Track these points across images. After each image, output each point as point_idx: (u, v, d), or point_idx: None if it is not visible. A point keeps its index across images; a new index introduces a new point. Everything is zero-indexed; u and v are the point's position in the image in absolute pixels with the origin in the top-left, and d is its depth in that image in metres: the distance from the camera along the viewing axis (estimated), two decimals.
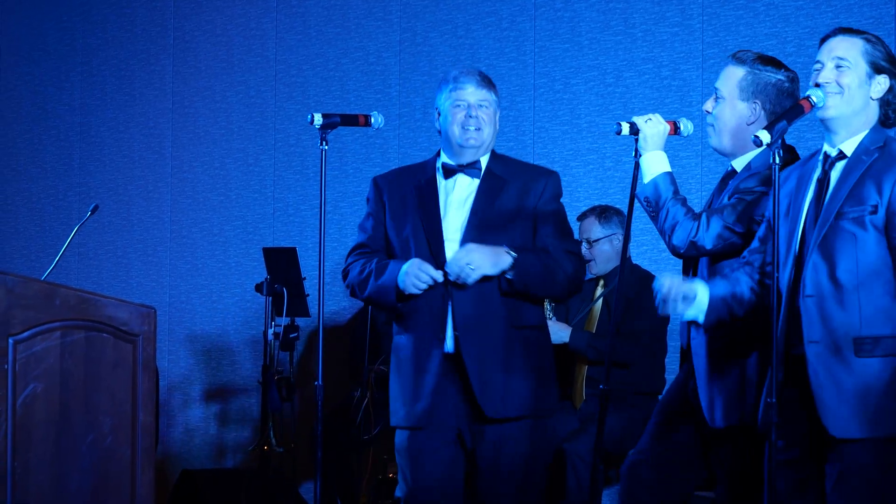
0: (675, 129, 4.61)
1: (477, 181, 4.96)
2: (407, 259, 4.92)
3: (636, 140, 4.55)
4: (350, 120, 4.92)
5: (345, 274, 5.12)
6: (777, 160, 3.98)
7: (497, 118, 5.00)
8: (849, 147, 4.10)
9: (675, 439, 4.67)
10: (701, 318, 4.26)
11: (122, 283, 9.15)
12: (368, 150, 8.23)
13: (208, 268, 8.86)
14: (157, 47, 9.22)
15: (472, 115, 4.91)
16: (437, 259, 4.89)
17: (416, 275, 4.85)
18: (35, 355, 4.73)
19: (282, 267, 7.46)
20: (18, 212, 9.73)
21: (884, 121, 4.15)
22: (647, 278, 6.23)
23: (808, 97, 4.10)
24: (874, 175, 4.02)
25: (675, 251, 4.48)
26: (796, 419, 4.08)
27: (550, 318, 6.54)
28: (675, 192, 4.49)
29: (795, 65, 6.74)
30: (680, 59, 7.15)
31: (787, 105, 4.45)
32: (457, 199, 4.97)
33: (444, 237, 4.92)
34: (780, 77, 4.58)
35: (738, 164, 4.59)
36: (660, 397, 5.94)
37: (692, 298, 4.22)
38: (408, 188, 5.02)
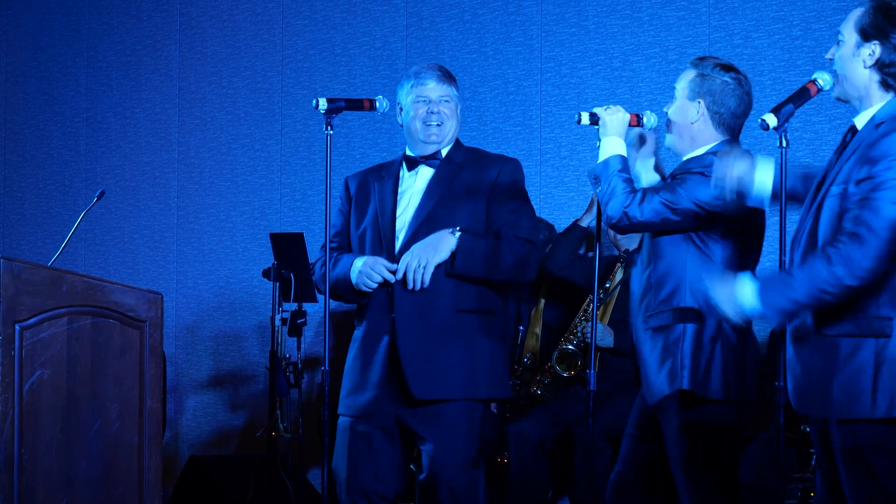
0: (638, 121, 4.71)
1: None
2: (361, 251, 4.97)
3: (598, 130, 4.66)
4: (355, 104, 4.93)
5: (313, 271, 5.16)
6: (785, 143, 3.96)
7: (459, 111, 5.06)
8: (860, 121, 3.95)
9: (649, 447, 4.69)
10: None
11: (129, 268, 9.15)
12: (375, 136, 8.22)
13: (215, 253, 8.86)
14: (164, 33, 9.21)
15: (433, 112, 4.98)
16: (390, 249, 4.93)
17: (368, 274, 4.89)
18: (42, 342, 4.73)
19: (289, 252, 7.46)
20: (25, 198, 9.73)
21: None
22: None
23: (814, 80, 4.01)
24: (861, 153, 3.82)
25: (608, 221, 4.55)
26: None
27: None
28: (622, 170, 4.56)
29: (802, 48, 6.76)
30: (686, 42, 7.13)
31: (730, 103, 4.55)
32: (417, 189, 5.00)
33: (398, 227, 4.95)
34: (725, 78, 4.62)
35: (697, 153, 4.64)
36: None
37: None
38: (373, 183, 5.07)
